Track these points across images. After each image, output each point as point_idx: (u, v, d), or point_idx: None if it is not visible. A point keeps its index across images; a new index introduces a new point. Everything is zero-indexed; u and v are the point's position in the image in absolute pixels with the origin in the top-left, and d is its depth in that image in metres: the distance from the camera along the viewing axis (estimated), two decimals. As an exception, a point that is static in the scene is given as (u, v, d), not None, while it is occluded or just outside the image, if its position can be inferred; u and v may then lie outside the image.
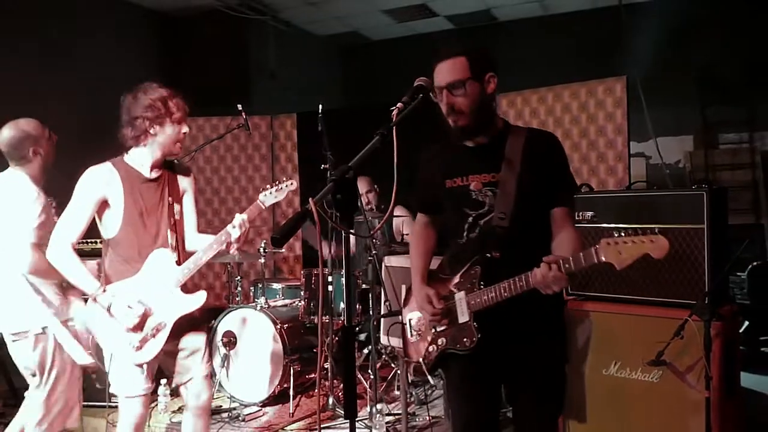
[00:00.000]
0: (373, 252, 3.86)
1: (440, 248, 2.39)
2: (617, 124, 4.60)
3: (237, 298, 4.54)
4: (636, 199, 3.32)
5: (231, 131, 5.06)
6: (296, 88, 6.91)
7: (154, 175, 2.64)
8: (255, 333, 4.23)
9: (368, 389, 3.93)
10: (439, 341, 2.22)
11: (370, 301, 3.96)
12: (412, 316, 2.38)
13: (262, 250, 4.53)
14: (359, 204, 4.17)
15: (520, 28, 7.06)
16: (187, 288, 2.64)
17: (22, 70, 4.94)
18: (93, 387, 4.12)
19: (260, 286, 4.58)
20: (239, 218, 2.65)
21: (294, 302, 4.51)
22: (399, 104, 2.02)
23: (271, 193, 2.80)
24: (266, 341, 4.18)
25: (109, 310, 2.51)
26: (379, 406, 3.77)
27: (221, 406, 4.18)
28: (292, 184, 2.84)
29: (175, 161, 2.79)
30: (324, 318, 4.18)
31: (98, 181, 2.56)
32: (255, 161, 6.00)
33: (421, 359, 2.31)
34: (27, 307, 2.85)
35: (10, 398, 4.43)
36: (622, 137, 4.59)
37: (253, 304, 4.38)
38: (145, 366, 2.58)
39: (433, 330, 2.24)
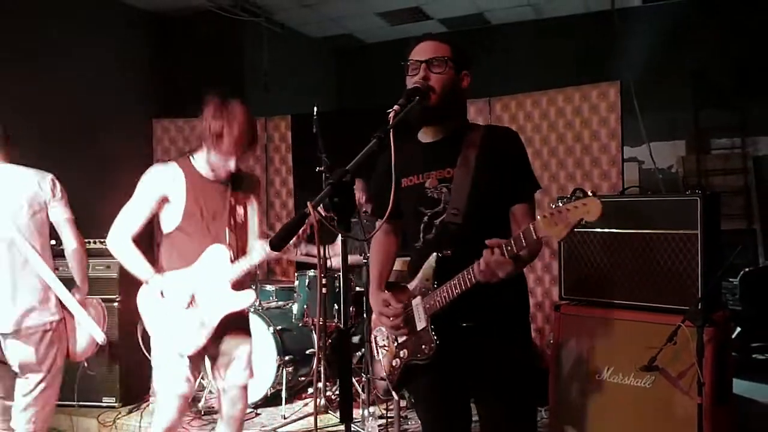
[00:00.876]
0: (367, 255, 3.85)
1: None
2: (611, 128, 4.62)
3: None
4: (629, 205, 3.34)
5: (225, 133, 5.03)
6: (290, 90, 6.90)
7: (218, 177, 2.73)
8: (248, 335, 4.22)
9: (361, 392, 3.92)
10: (401, 353, 2.13)
11: (364, 304, 3.96)
12: (377, 332, 2.27)
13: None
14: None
15: (513, 31, 7.09)
16: (237, 287, 2.70)
17: (19, 69, 4.91)
18: (92, 387, 4.10)
19: (253, 287, 4.56)
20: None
21: (287, 304, 4.51)
22: (395, 107, 2.01)
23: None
24: (259, 343, 4.16)
25: (161, 293, 2.65)
26: (371, 409, 3.77)
27: (213, 407, 4.16)
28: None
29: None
30: (318, 320, 4.18)
31: (161, 179, 2.70)
32: (249, 162, 5.98)
33: (385, 376, 2.22)
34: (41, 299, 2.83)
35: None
36: (616, 142, 4.60)
37: (247, 305, 4.37)
38: (186, 364, 2.66)
39: (396, 343, 2.15)
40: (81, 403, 4.04)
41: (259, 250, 2.71)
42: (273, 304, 4.53)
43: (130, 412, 4.16)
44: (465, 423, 2.16)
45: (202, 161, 2.74)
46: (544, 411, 3.58)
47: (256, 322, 4.19)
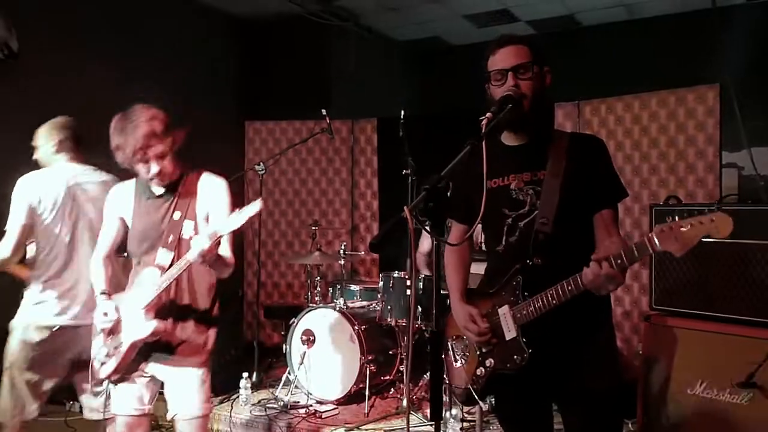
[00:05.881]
0: (438, 259, 3.87)
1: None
2: (708, 133, 4.43)
3: (316, 298, 4.66)
4: (728, 214, 3.21)
5: (314, 135, 5.19)
6: (377, 92, 7.00)
7: (161, 191, 2.58)
8: (333, 333, 4.33)
9: (443, 395, 3.94)
10: (487, 362, 2.09)
11: (441, 308, 3.97)
12: (455, 338, 2.25)
13: (341, 252, 4.64)
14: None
15: (605, 33, 6.89)
16: (153, 313, 2.47)
17: (114, 72, 5.23)
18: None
19: (339, 287, 4.69)
20: (199, 246, 2.32)
21: (371, 304, 4.59)
22: (488, 114, 2.03)
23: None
24: (344, 341, 4.28)
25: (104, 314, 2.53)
26: (453, 411, 3.79)
27: (298, 402, 4.30)
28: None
29: (208, 173, 2.66)
30: (402, 322, 4.24)
31: (114, 201, 2.65)
32: (335, 165, 6.13)
33: (469, 385, 2.18)
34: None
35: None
36: (713, 147, 4.41)
37: (332, 304, 4.49)
38: (115, 384, 2.55)
39: (479, 351, 2.12)
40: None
41: (183, 260, 2.39)
42: (357, 304, 4.62)
43: (221, 402, 4.35)
44: (548, 430, 2.16)
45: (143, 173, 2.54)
46: (632, 424, 3.49)
47: (340, 322, 4.30)
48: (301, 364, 4.32)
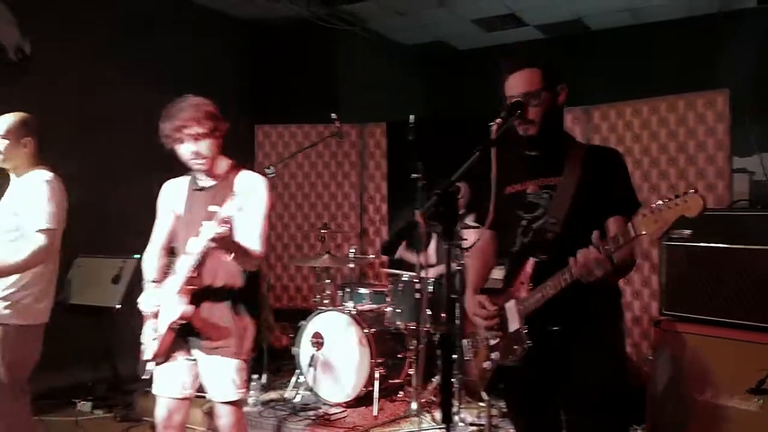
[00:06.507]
0: (461, 261, 3.89)
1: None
2: (718, 139, 4.42)
3: (325, 301, 4.68)
4: (738, 218, 3.21)
5: (325, 139, 5.22)
6: (385, 96, 7.03)
7: (206, 184, 2.69)
8: (342, 336, 4.35)
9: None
10: (493, 355, 2.17)
11: (456, 310, 3.99)
12: (470, 335, 2.35)
13: (351, 255, 4.66)
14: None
15: (613, 37, 6.89)
16: (186, 298, 2.54)
17: (125, 77, 5.27)
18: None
19: (348, 290, 4.71)
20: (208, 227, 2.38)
21: (380, 307, 4.61)
22: (498, 120, 2.08)
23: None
24: (353, 344, 4.29)
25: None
26: (462, 415, 3.80)
27: (308, 404, 4.32)
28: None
29: (247, 170, 2.72)
30: (411, 325, 4.26)
31: (166, 195, 2.77)
32: (344, 168, 6.16)
33: (477, 378, 2.27)
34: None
35: (114, 384, 4.77)
36: (723, 153, 4.40)
37: (341, 307, 4.51)
38: (168, 367, 2.63)
39: (488, 345, 2.20)
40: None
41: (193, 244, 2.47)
42: (366, 307, 4.64)
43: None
44: (555, 423, 2.18)
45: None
46: (641, 430, 3.49)
47: (349, 325, 4.32)
48: (310, 366, 4.34)
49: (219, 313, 2.59)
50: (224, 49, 6.47)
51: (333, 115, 4.72)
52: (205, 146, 2.58)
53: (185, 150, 2.57)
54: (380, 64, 7.30)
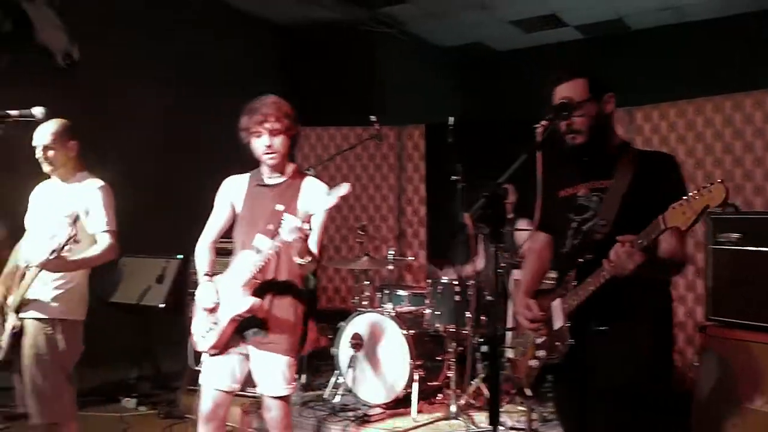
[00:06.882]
0: (503, 264, 3.87)
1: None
2: (766, 140, 4.32)
3: (364, 303, 4.70)
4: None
5: (363, 141, 5.25)
6: (423, 98, 7.03)
7: (271, 181, 2.78)
8: (381, 337, 4.36)
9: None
10: (539, 353, 2.22)
11: (498, 313, 3.97)
12: (520, 334, 2.40)
13: (390, 257, 4.68)
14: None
15: (655, 37, 6.77)
16: (251, 292, 2.63)
17: (157, 79, 5.38)
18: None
19: (387, 292, 4.72)
20: (290, 223, 2.40)
21: (419, 309, 4.61)
22: (543, 122, 2.10)
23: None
24: (392, 346, 4.30)
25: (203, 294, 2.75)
26: (502, 418, 3.78)
27: (347, 405, 4.34)
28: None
29: (310, 171, 2.92)
30: (451, 327, 4.25)
31: (227, 188, 2.87)
32: (383, 170, 6.19)
33: (524, 376, 2.32)
34: None
35: (158, 381, 4.88)
36: (773, 154, 4.31)
37: (380, 309, 4.52)
38: (218, 360, 2.70)
39: (535, 344, 2.25)
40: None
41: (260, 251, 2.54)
42: (405, 309, 4.64)
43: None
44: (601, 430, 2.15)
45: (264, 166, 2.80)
46: (686, 436, 3.42)
47: (389, 326, 4.33)
48: (349, 367, 4.36)
49: (281, 308, 2.67)
50: (265, 53, 6.58)
51: (372, 118, 4.74)
52: (278, 141, 2.70)
53: (260, 143, 2.69)
54: (418, 66, 7.31)
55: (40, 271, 2.85)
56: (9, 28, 4.81)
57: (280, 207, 2.63)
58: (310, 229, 2.41)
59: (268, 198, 2.73)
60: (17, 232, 3.22)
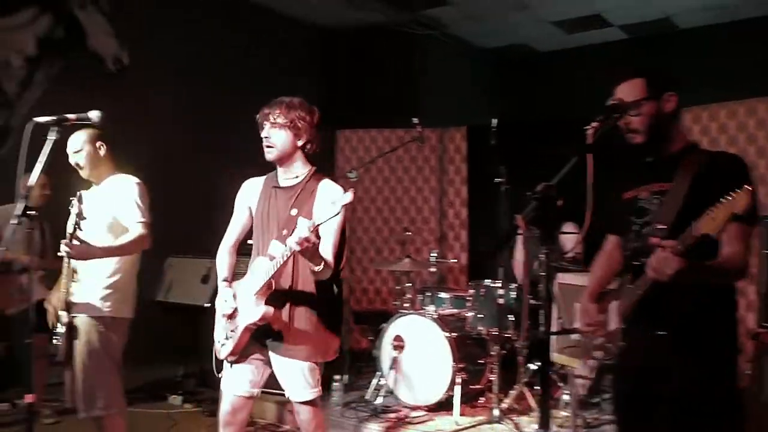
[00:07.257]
0: (547, 268, 3.82)
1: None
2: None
3: (406, 305, 4.70)
4: None
5: (405, 144, 5.25)
6: (464, 100, 7.01)
7: (285, 183, 2.73)
8: (424, 339, 4.35)
9: (534, 405, 3.91)
10: (596, 354, 2.24)
11: (542, 317, 3.93)
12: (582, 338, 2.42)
13: (432, 258, 4.67)
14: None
15: (705, 36, 6.60)
16: (264, 300, 2.57)
17: (200, 84, 5.45)
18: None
19: (428, 294, 4.71)
20: (297, 233, 2.32)
21: (461, 312, 4.59)
22: (594, 123, 2.07)
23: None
24: (434, 348, 4.29)
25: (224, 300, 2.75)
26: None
27: (388, 406, 4.35)
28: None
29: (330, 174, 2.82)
30: (493, 330, 4.22)
31: (245, 192, 2.85)
32: (425, 173, 6.19)
33: (586, 377, 2.39)
34: None
35: (202, 379, 4.96)
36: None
37: (422, 311, 4.52)
38: (238, 366, 2.70)
39: (593, 345, 2.26)
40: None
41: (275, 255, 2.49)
42: (447, 312, 4.63)
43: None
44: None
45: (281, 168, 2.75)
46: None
47: (431, 328, 4.32)
48: (390, 369, 4.37)
49: (299, 315, 2.62)
50: (307, 55, 6.65)
51: (414, 120, 4.73)
52: (276, 135, 2.64)
53: (263, 135, 2.67)
54: (459, 68, 7.30)
55: (69, 260, 2.98)
56: (62, 34, 4.97)
57: (294, 212, 2.58)
58: (318, 237, 2.37)
59: (283, 201, 2.68)
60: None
